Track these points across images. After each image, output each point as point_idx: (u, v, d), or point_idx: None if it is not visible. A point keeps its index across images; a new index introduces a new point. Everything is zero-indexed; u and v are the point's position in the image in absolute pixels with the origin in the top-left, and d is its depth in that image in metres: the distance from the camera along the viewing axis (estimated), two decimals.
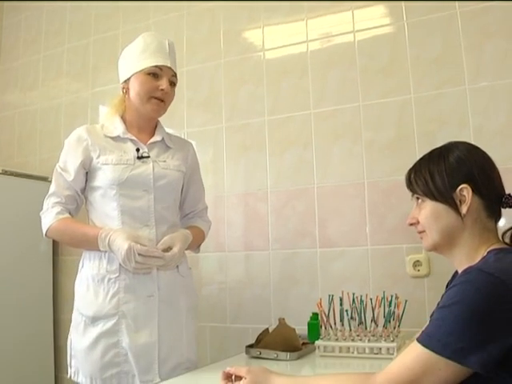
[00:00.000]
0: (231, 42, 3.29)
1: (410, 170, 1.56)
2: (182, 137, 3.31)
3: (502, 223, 1.51)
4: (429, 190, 1.47)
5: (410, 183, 1.55)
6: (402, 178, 1.58)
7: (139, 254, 2.02)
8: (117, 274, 2.12)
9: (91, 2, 3.86)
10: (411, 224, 1.57)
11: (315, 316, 2.44)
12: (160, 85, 2.22)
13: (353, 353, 2.16)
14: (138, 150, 2.25)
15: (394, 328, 2.19)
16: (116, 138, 2.26)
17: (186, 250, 2.29)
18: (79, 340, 2.11)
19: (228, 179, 3.09)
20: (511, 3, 2.58)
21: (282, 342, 2.22)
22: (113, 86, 3.61)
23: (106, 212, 2.21)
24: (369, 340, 2.17)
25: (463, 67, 2.66)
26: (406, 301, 2.21)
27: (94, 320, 2.09)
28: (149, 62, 2.21)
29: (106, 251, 2.12)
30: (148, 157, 2.25)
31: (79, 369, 2.10)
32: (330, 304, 2.29)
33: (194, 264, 2.56)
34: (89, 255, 2.20)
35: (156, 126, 2.39)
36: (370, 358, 2.12)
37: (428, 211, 1.48)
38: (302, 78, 3.04)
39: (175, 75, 2.29)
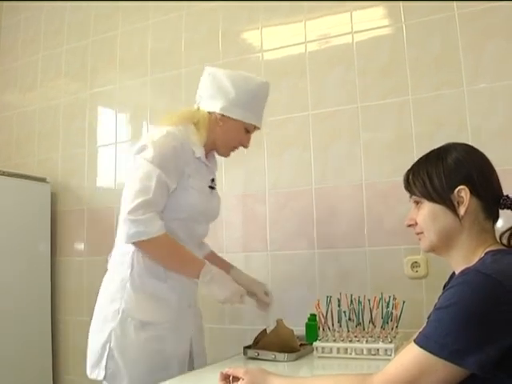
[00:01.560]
0: (230, 43, 3.29)
1: (408, 172, 1.56)
2: None
3: (500, 224, 1.51)
4: (427, 191, 1.47)
5: (408, 184, 1.55)
6: (401, 180, 1.58)
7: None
8: (175, 284, 2.17)
9: (90, 2, 3.86)
10: (409, 225, 1.57)
11: (313, 317, 2.44)
12: (246, 141, 2.33)
13: (351, 354, 2.16)
14: (212, 179, 2.31)
15: (392, 329, 2.19)
16: (198, 160, 2.22)
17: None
18: (127, 343, 2.06)
19: (227, 180, 3.08)
20: (510, 4, 2.58)
21: (280, 343, 2.22)
22: (111, 86, 3.63)
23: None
24: (367, 341, 2.17)
25: (462, 69, 2.66)
26: (403, 302, 2.21)
27: (146, 325, 2.08)
28: (256, 121, 2.30)
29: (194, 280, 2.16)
30: (215, 188, 2.32)
31: (120, 371, 2.05)
32: (327, 305, 2.29)
33: None
34: (142, 259, 2.11)
35: None
36: (367, 359, 2.12)
37: (426, 212, 1.48)
38: (301, 79, 3.04)
39: None
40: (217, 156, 2.41)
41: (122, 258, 2.17)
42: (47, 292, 3.62)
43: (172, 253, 2.11)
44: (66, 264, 3.70)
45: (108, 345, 2.06)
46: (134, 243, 2.03)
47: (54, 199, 3.76)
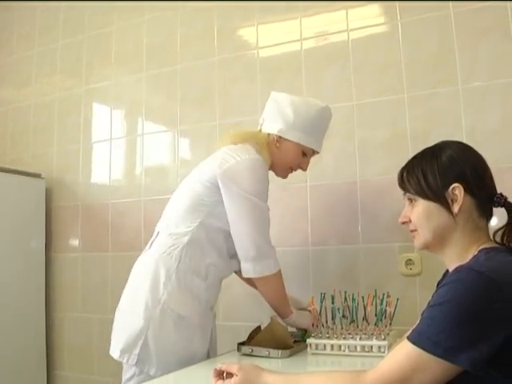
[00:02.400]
0: (225, 40, 3.29)
1: (403, 169, 1.56)
2: (175, 135, 3.33)
3: (494, 222, 1.52)
4: (421, 188, 1.48)
5: (402, 182, 1.55)
6: (395, 177, 1.59)
7: None
8: (211, 286, 2.26)
9: (85, 2, 3.85)
10: (403, 223, 1.57)
11: None
12: (304, 164, 2.41)
13: (344, 351, 2.16)
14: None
15: (386, 326, 2.20)
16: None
17: None
18: (164, 334, 2.11)
19: None
20: (505, 2, 2.59)
21: (274, 340, 2.22)
22: (106, 82, 3.62)
23: (220, 250, 2.26)
24: (360, 338, 2.17)
25: (457, 67, 2.67)
26: (397, 299, 2.22)
27: (182, 319, 2.14)
28: (314, 145, 2.37)
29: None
30: None
31: (151, 359, 2.09)
32: (321, 302, 2.30)
33: None
34: (189, 256, 2.20)
35: None
36: (361, 356, 2.13)
37: (420, 210, 1.49)
38: (296, 76, 3.04)
39: None
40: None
41: (169, 250, 2.21)
42: (42, 288, 3.62)
43: (281, 291, 2.30)
44: (60, 260, 3.70)
45: (145, 332, 2.10)
46: (265, 277, 2.21)
47: (48, 195, 3.75)
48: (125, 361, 2.11)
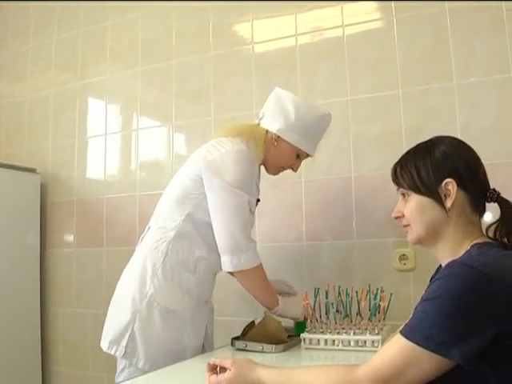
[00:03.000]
0: (220, 35, 3.29)
1: (396, 164, 1.57)
2: (170, 130, 3.33)
3: (488, 218, 1.52)
4: (414, 183, 1.48)
5: (395, 177, 1.55)
6: (389, 173, 1.59)
7: None
8: (200, 279, 2.26)
9: (81, 2, 3.84)
10: (396, 218, 1.57)
11: None
12: (296, 165, 2.42)
13: (338, 345, 2.17)
14: (258, 200, 2.39)
15: (379, 321, 2.20)
16: (257, 176, 2.33)
17: None
18: (150, 327, 2.13)
19: None
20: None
21: (268, 335, 2.23)
22: (101, 77, 3.62)
23: (211, 244, 2.23)
24: (354, 333, 2.17)
25: (452, 63, 2.67)
26: (391, 294, 2.22)
27: (170, 313, 2.16)
28: (310, 149, 2.38)
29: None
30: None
31: (138, 352, 2.12)
32: (315, 297, 2.30)
33: None
34: (176, 250, 2.21)
35: None
36: (354, 350, 2.13)
37: (413, 205, 1.49)
38: (291, 71, 3.04)
39: None
40: None
41: (156, 244, 2.24)
42: (36, 283, 3.62)
43: (263, 283, 2.27)
44: (55, 255, 3.70)
45: (132, 325, 2.13)
46: (244, 271, 2.17)
47: (43, 190, 3.75)
48: (113, 352, 2.15)
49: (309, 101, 2.42)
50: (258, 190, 2.39)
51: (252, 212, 2.26)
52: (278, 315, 2.31)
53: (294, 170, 2.44)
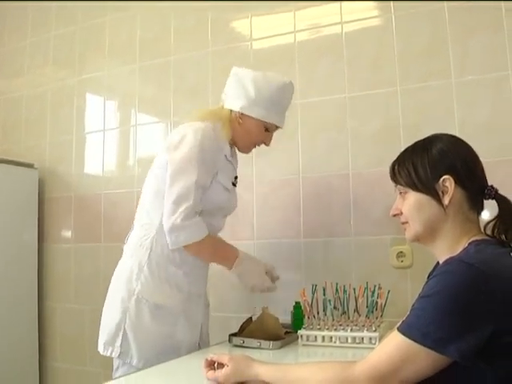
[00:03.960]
0: (219, 31, 3.28)
1: (394, 162, 1.57)
2: (168, 126, 3.32)
3: (486, 215, 1.52)
4: (412, 181, 1.48)
5: (393, 174, 1.56)
6: (387, 170, 1.60)
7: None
8: (188, 272, 2.25)
9: (78, 2, 3.83)
10: (395, 215, 1.58)
11: (298, 305, 2.46)
12: (267, 139, 2.39)
13: (335, 342, 2.18)
14: (236, 177, 2.39)
15: (377, 318, 2.21)
16: (225, 157, 2.30)
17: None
18: (140, 324, 2.14)
19: None
20: None
21: (265, 331, 2.23)
22: (99, 73, 3.61)
23: None
24: (351, 329, 2.18)
25: (450, 60, 2.67)
26: (388, 291, 2.23)
27: (159, 308, 2.17)
28: (276, 120, 2.34)
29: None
30: (236, 185, 2.39)
31: (131, 350, 2.12)
32: (313, 294, 2.31)
33: None
34: (160, 245, 2.20)
35: None
36: (352, 347, 2.14)
37: (411, 202, 1.50)
38: (290, 68, 3.03)
39: None
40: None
41: (140, 241, 2.25)
42: (34, 279, 3.61)
43: (214, 252, 2.28)
44: (53, 251, 3.70)
45: (123, 324, 2.14)
46: (186, 248, 2.14)
47: (41, 185, 3.74)
48: (109, 354, 2.16)
49: (268, 73, 2.38)
50: (234, 169, 2.39)
51: (227, 189, 2.28)
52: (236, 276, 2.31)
53: (267, 144, 2.41)
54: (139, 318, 2.13)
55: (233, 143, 2.38)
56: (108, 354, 2.16)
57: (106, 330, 2.20)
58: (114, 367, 2.19)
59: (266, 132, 2.35)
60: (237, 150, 2.45)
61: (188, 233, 2.09)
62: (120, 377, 2.08)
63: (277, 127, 2.38)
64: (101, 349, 2.19)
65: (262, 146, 2.43)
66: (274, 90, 2.29)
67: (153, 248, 2.20)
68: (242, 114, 2.29)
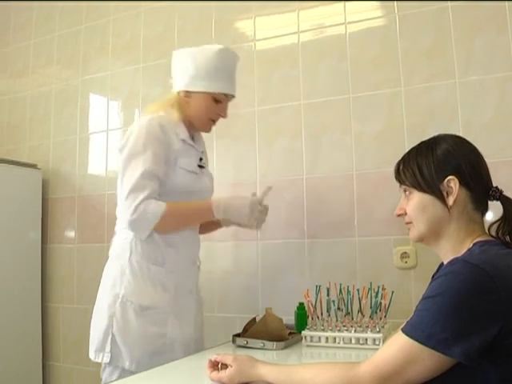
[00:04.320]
0: (222, 32, 3.28)
1: (399, 162, 1.57)
2: None
3: (490, 216, 1.52)
4: (416, 181, 1.48)
5: (398, 174, 1.56)
6: (391, 170, 1.59)
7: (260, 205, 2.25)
8: (173, 269, 2.23)
9: (82, 2, 3.84)
10: (399, 215, 1.58)
11: (302, 306, 2.45)
12: (221, 111, 2.33)
13: (339, 343, 2.18)
14: (201, 159, 2.34)
15: (381, 319, 2.20)
16: (183, 142, 2.27)
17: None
18: (127, 327, 2.12)
19: (217, 169, 3.07)
20: None
21: (269, 332, 2.23)
22: (103, 73, 3.62)
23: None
24: (355, 330, 2.18)
25: (453, 60, 2.66)
26: (392, 292, 2.22)
27: (146, 309, 2.15)
28: (220, 88, 2.29)
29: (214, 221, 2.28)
30: (204, 167, 2.35)
31: (122, 354, 2.11)
32: (317, 294, 2.30)
33: None
34: (140, 245, 2.20)
35: None
36: (355, 348, 2.14)
37: (415, 202, 1.49)
38: (293, 69, 3.03)
39: (234, 97, 2.39)
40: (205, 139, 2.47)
41: (122, 244, 2.24)
42: (37, 279, 3.62)
43: (186, 214, 2.23)
44: (56, 251, 3.70)
45: (110, 329, 2.13)
46: (157, 229, 2.11)
47: (45, 186, 3.75)
48: (100, 360, 2.15)
49: (205, 46, 2.34)
50: (197, 151, 2.35)
51: (192, 172, 2.25)
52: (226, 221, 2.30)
53: (223, 115, 2.36)
54: (126, 321, 2.12)
55: (190, 125, 2.34)
56: (99, 361, 2.16)
57: (95, 336, 2.19)
58: (106, 374, 2.18)
59: (217, 104, 2.31)
60: (202, 134, 2.46)
61: (145, 219, 2.06)
62: (119, 379, 2.07)
63: (227, 96, 2.33)
64: (92, 356, 2.18)
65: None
66: (211, 59, 2.26)
67: (133, 250, 2.19)
68: (186, 92, 2.29)
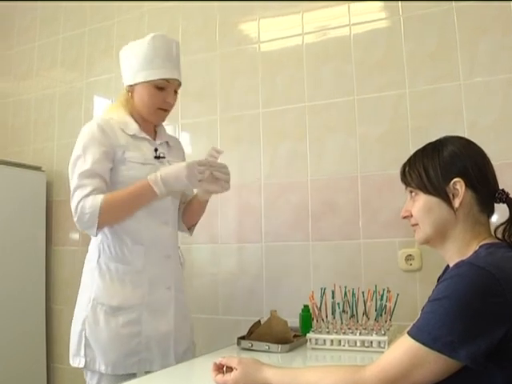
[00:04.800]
0: (227, 33, 3.28)
1: (405, 164, 1.57)
2: (176, 129, 3.32)
3: (495, 219, 1.52)
4: (422, 183, 1.48)
5: (404, 176, 1.55)
6: (396, 172, 1.59)
7: (200, 166, 2.11)
8: (142, 266, 2.21)
9: (86, 2, 3.84)
10: (405, 217, 1.57)
11: (306, 308, 2.45)
12: (166, 97, 2.29)
13: (344, 346, 2.17)
14: (156, 150, 2.31)
15: (386, 321, 2.20)
16: (133, 136, 2.26)
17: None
18: (99, 330, 2.12)
19: None
20: None
21: (274, 334, 2.23)
22: (107, 76, 3.62)
23: (136, 227, 2.22)
24: (360, 333, 2.17)
25: (458, 62, 2.66)
26: (397, 295, 2.22)
27: (117, 310, 2.14)
28: (158, 74, 2.25)
29: (161, 199, 2.18)
30: (164, 157, 2.31)
31: (97, 357, 2.12)
32: (322, 297, 2.30)
33: (186, 255, 2.56)
34: (107, 246, 2.21)
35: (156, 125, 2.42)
36: (361, 351, 2.13)
37: (421, 204, 1.49)
38: (297, 70, 3.03)
39: (179, 83, 2.35)
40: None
41: (92, 247, 2.28)
42: (42, 281, 3.62)
43: (123, 198, 2.13)
44: (60, 253, 3.70)
45: (83, 333, 2.14)
46: (99, 229, 2.10)
47: (49, 188, 3.75)
48: (76, 365, 2.16)
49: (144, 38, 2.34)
50: (150, 144, 2.31)
51: (144, 164, 2.22)
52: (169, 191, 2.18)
53: (171, 102, 2.32)
54: (97, 323, 2.13)
55: (141, 119, 2.32)
56: (76, 365, 2.16)
57: (71, 341, 2.20)
58: (88, 379, 2.18)
59: (161, 91, 2.27)
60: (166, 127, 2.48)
61: (86, 215, 2.06)
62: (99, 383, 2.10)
63: (169, 82, 2.28)
64: (71, 361, 2.19)
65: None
66: (146, 48, 2.25)
67: (101, 252, 2.21)
68: (130, 86, 2.29)
